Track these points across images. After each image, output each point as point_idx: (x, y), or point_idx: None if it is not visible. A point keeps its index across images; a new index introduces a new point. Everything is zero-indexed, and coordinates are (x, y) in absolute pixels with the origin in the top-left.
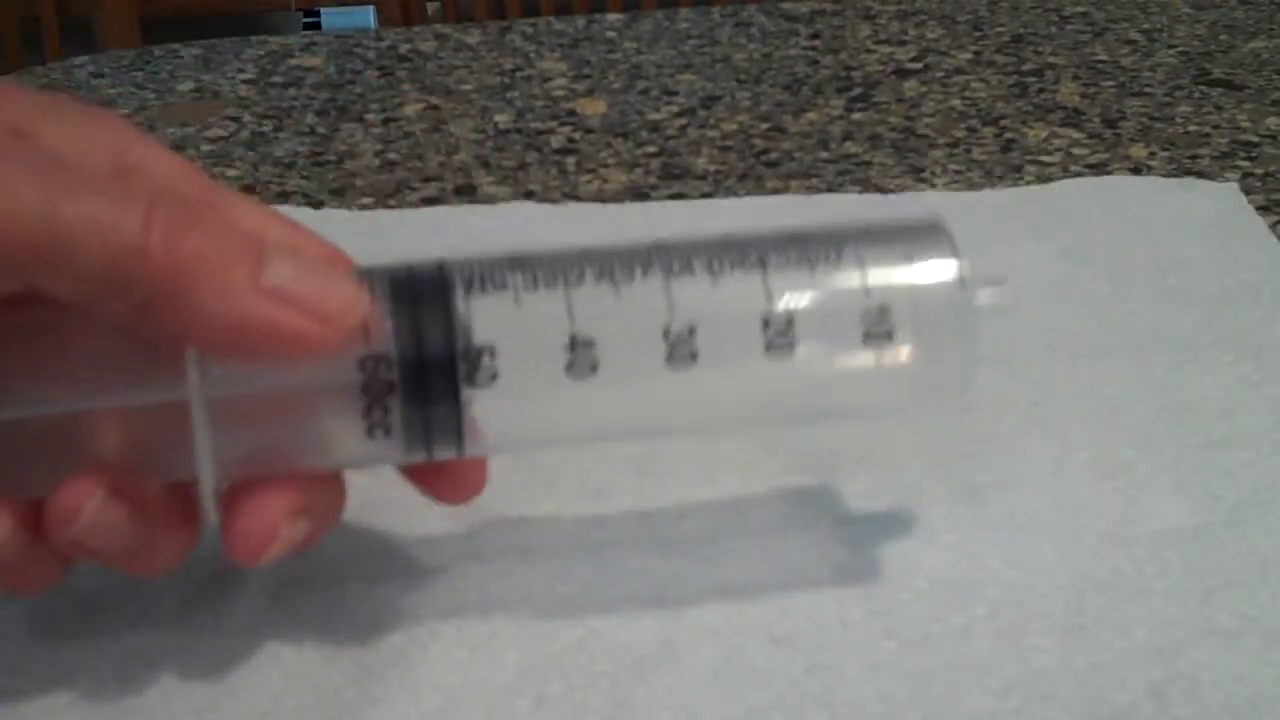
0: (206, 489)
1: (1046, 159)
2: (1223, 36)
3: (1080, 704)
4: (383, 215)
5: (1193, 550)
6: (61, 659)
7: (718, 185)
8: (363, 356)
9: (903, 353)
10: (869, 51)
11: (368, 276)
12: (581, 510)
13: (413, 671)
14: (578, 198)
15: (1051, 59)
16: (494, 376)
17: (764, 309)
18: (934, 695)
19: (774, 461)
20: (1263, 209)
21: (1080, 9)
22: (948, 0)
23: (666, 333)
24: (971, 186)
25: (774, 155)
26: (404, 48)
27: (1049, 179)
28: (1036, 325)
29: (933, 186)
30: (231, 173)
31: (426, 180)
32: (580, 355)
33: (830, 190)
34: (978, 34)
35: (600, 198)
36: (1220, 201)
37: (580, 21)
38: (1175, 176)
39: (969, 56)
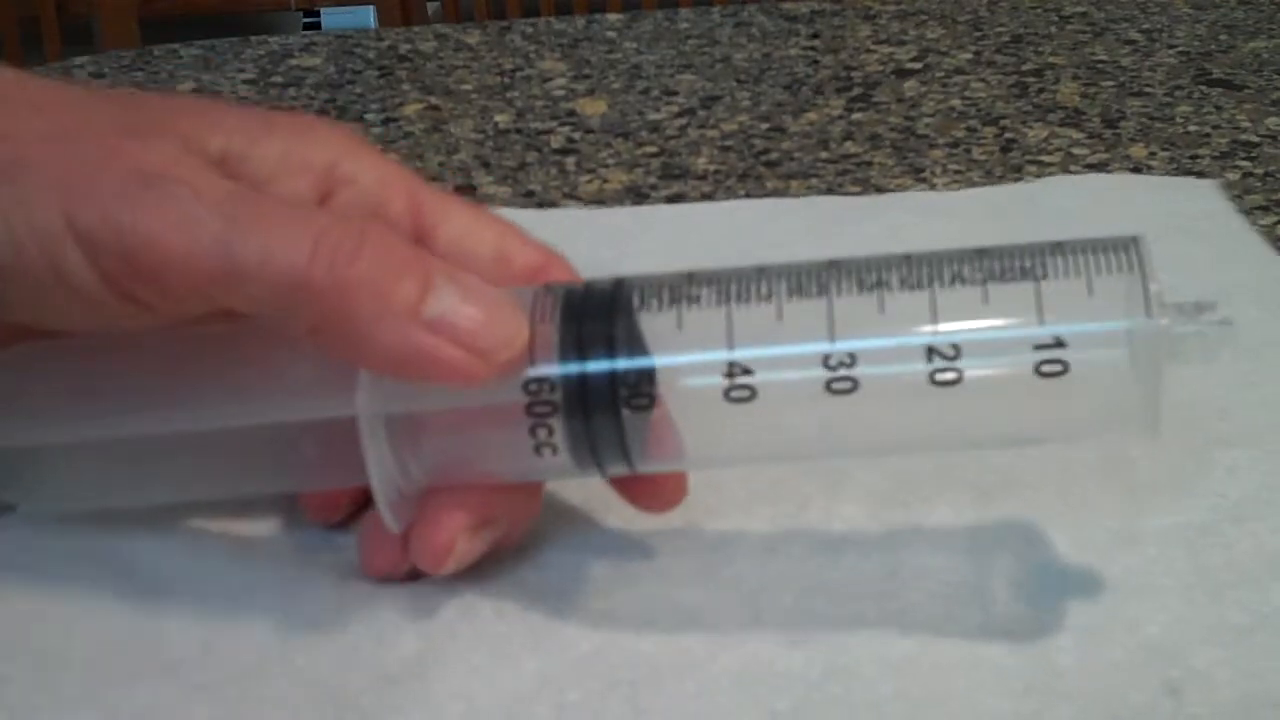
0: (381, 503)
1: (1046, 159)
2: (1223, 36)
3: (1101, 704)
4: None
5: (1200, 547)
6: (68, 666)
7: (718, 185)
8: (527, 379)
9: (1078, 388)
10: (869, 51)
11: (543, 295)
12: (590, 515)
13: (429, 679)
14: (578, 198)
15: (1051, 59)
16: (652, 402)
17: (929, 340)
18: (953, 695)
19: (778, 467)
20: (1262, 209)
21: (1080, 9)
22: (948, 0)
23: (826, 359)
24: (971, 187)
25: (774, 155)
26: (404, 48)
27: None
28: None
29: (932, 186)
30: None
31: (426, 180)
32: (738, 382)
33: (831, 190)
34: (978, 34)
35: (600, 198)
36: (1201, 199)
37: (580, 21)
38: (1171, 176)
39: (969, 56)
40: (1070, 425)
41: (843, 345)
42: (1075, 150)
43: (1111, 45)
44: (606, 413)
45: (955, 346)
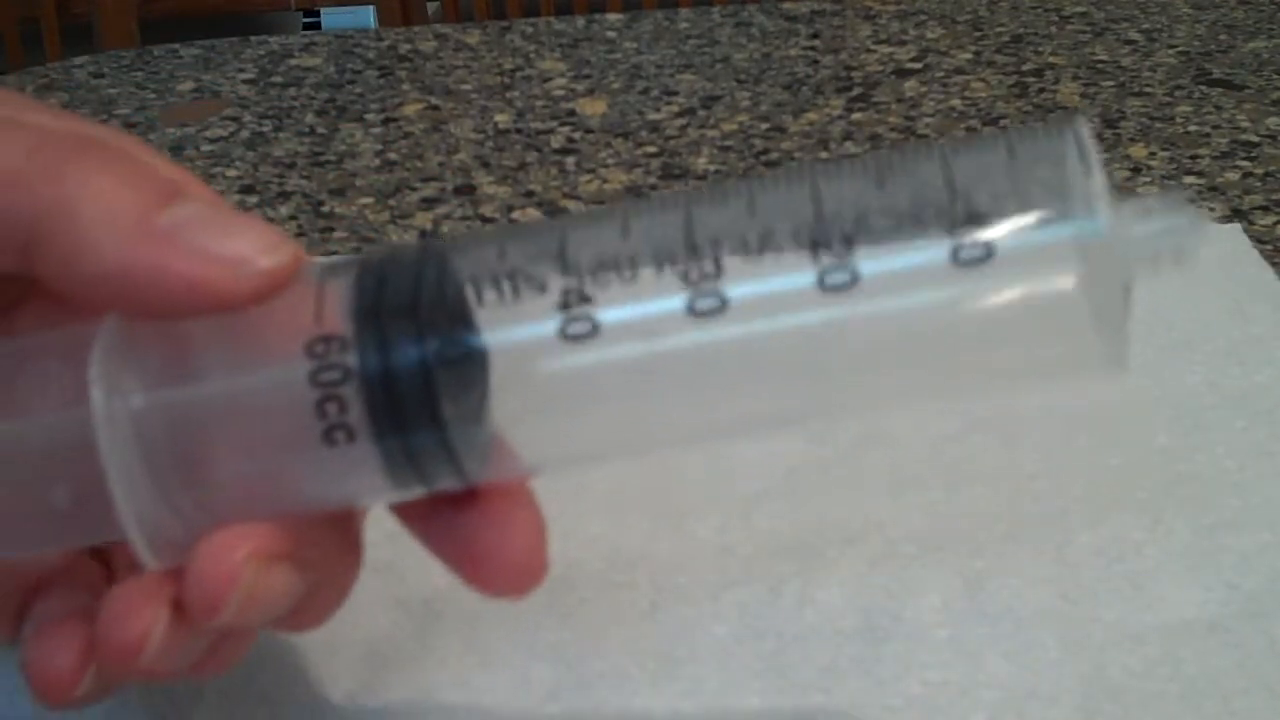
0: (132, 528)
1: None
2: (1223, 36)
3: None
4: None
5: (1208, 647)
6: None
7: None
8: (312, 339)
9: (1008, 285)
10: (869, 51)
11: (330, 263)
12: (536, 608)
13: None
14: (578, 198)
15: (1051, 59)
16: (467, 352)
17: (813, 234)
18: None
19: (752, 543)
20: (1263, 209)
21: (1080, 9)
22: (948, 0)
23: (686, 275)
24: None
25: (774, 155)
26: (404, 48)
27: None
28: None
29: None
30: (231, 173)
31: (426, 180)
32: (576, 313)
33: None
34: (978, 34)
35: (600, 198)
36: (1223, 245)
37: (580, 21)
38: (1175, 180)
39: (969, 56)
40: (1007, 347)
41: (706, 257)
42: None
43: (1111, 45)
44: (414, 369)
45: (847, 239)
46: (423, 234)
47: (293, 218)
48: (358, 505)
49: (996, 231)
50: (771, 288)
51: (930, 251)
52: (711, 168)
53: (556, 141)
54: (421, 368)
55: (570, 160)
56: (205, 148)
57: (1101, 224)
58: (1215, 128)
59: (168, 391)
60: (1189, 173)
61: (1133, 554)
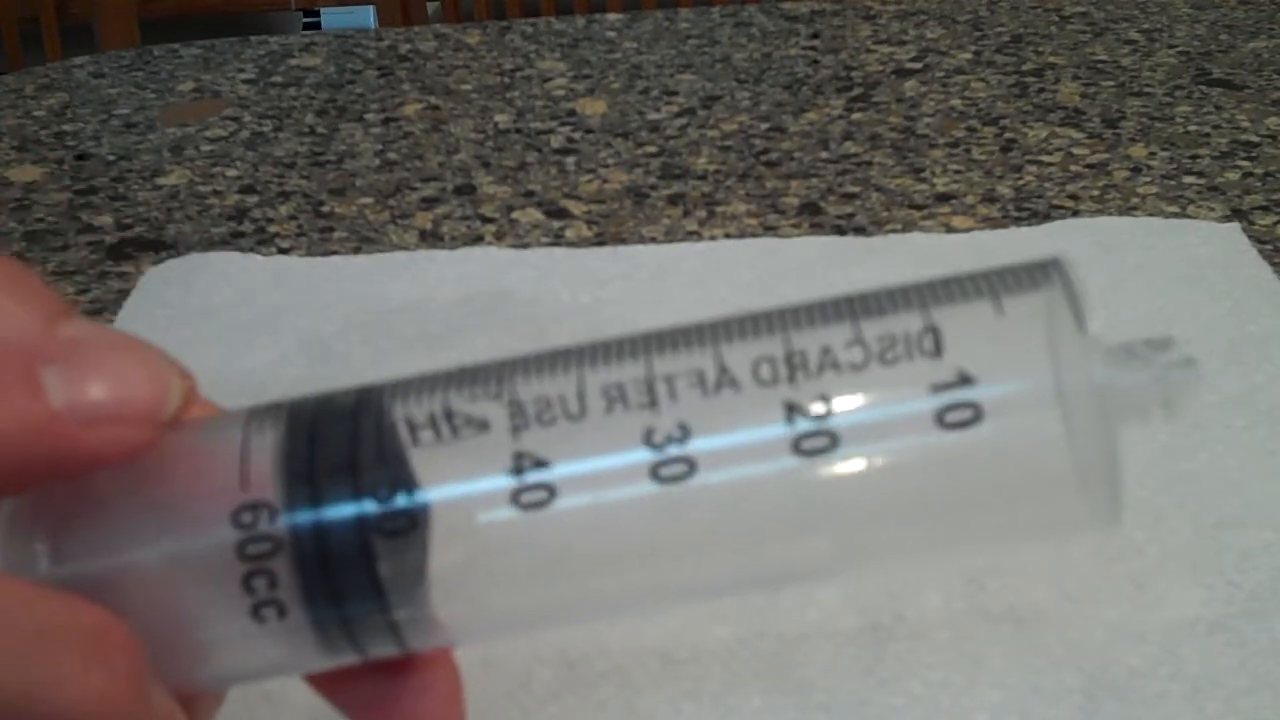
0: None
1: (1046, 159)
2: (1223, 36)
3: None
4: (318, 263)
5: (1210, 646)
6: None
7: (718, 185)
8: (238, 506)
9: (997, 456)
10: (869, 51)
11: (260, 411)
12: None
13: None
14: (578, 197)
15: (1051, 59)
16: (413, 522)
17: (787, 395)
18: None
19: (620, 613)
20: (1263, 209)
21: (1080, 9)
22: (948, 0)
23: (649, 435)
24: (971, 186)
25: (774, 155)
26: (404, 48)
27: (1049, 179)
28: None
29: (932, 186)
30: (231, 172)
31: (426, 180)
32: (530, 481)
33: (830, 190)
34: (978, 34)
35: (600, 198)
36: (1221, 244)
37: (580, 21)
38: (1175, 180)
39: (969, 56)
40: (994, 513)
41: (669, 419)
42: (1075, 150)
43: (1111, 45)
44: (354, 545)
45: (824, 398)
46: (423, 234)
47: (293, 218)
48: (278, 676)
49: (981, 393)
50: (743, 455)
51: (913, 413)
52: (711, 168)
53: (556, 141)
54: (360, 538)
55: (570, 160)
56: (205, 148)
57: (1090, 381)
58: (1215, 128)
59: (76, 565)
60: (1189, 173)
61: (1134, 553)
